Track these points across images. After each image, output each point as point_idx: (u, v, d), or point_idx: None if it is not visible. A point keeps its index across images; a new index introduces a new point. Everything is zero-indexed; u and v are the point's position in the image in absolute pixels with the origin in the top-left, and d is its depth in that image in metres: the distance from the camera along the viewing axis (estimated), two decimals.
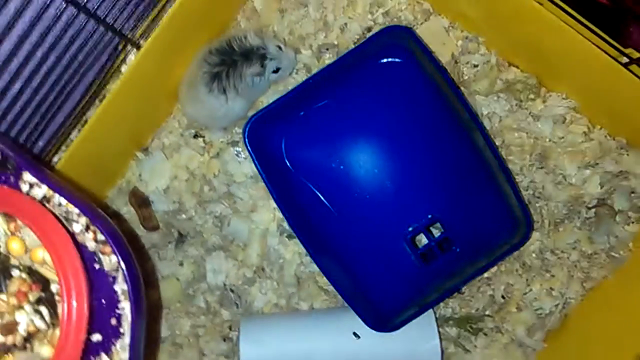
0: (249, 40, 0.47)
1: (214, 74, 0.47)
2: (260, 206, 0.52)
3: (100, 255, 0.34)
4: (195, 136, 0.53)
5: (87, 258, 0.34)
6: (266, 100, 0.52)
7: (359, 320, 0.44)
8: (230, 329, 0.52)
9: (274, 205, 0.51)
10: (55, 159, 0.49)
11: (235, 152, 0.52)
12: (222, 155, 0.52)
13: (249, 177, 0.52)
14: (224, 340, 0.52)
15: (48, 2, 0.35)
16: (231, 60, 0.47)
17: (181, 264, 0.53)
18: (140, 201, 0.52)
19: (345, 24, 0.52)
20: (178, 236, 0.53)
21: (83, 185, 0.49)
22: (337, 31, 0.52)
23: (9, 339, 0.32)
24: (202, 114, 0.50)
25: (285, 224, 0.51)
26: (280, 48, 0.48)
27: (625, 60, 0.44)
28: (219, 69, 0.47)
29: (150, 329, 0.52)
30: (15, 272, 0.32)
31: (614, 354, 0.45)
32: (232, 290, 0.52)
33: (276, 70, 0.48)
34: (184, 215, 0.53)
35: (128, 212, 0.53)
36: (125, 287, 0.34)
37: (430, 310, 0.47)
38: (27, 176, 0.34)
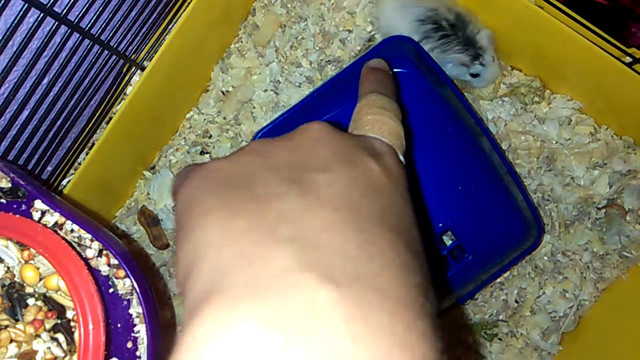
0: (478, 35, 0.45)
1: (429, 29, 0.45)
2: None
3: (114, 279, 0.34)
4: (202, 152, 0.54)
5: (102, 282, 0.34)
6: (273, 114, 0.52)
7: None
8: None
9: None
10: (63, 182, 0.50)
11: None
12: None
13: None
14: None
15: (53, 30, 0.36)
16: (452, 32, 0.45)
17: None
18: (150, 220, 0.53)
19: (346, 36, 0.52)
20: None
21: (92, 207, 0.49)
22: (337, 43, 0.52)
23: None
24: (389, 24, 0.48)
25: None
26: (493, 60, 0.47)
27: (628, 59, 0.44)
28: (436, 28, 0.45)
29: (165, 348, 0.52)
30: (30, 301, 0.32)
31: (631, 354, 0.45)
32: None
33: (474, 75, 0.47)
34: None
35: (137, 231, 0.54)
36: (140, 310, 0.34)
37: None
38: (39, 204, 0.34)
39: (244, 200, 0.19)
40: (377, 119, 0.26)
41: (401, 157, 0.25)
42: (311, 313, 0.15)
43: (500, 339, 0.50)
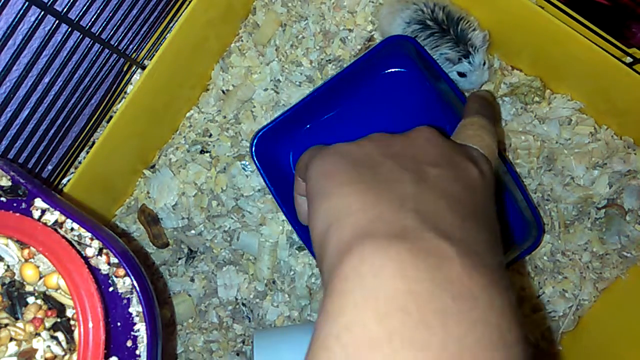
0: (472, 33, 0.45)
1: (416, 30, 0.45)
2: (269, 219, 0.52)
3: (114, 278, 0.34)
4: (202, 152, 0.54)
5: (101, 281, 0.34)
6: (274, 113, 0.52)
7: None
8: (243, 343, 0.52)
9: (283, 217, 0.51)
10: (64, 181, 0.50)
11: (242, 166, 0.53)
12: (229, 169, 0.53)
13: (256, 191, 0.52)
14: (237, 354, 0.52)
15: (53, 29, 0.36)
16: (439, 30, 0.45)
17: (192, 280, 0.53)
18: (150, 219, 0.53)
19: (347, 35, 0.52)
20: (188, 252, 0.53)
21: (91, 205, 0.49)
22: (338, 43, 0.52)
23: None
24: (382, 29, 0.49)
25: (295, 236, 0.51)
26: (483, 65, 0.46)
27: (629, 60, 0.44)
28: (423, 28, 0.45)
29: (165, 347, 0.52)
30: (30, 299, 0.32)
31: (630, 354, 0.45)
32: (244, 305, 0.52)
33: (461, 74, 0.46)
34: (193, 231, 0.53)
35: (137, 230, 0.54)
36: (139, 308, 0.34)
37: None
38: (39, 202, 0.34)
39: (373, 179, 0.25)
40: (478, 134, 0.32)
41: (492, 167, 0.31)
42: (436, 254, 0.21)
43: None
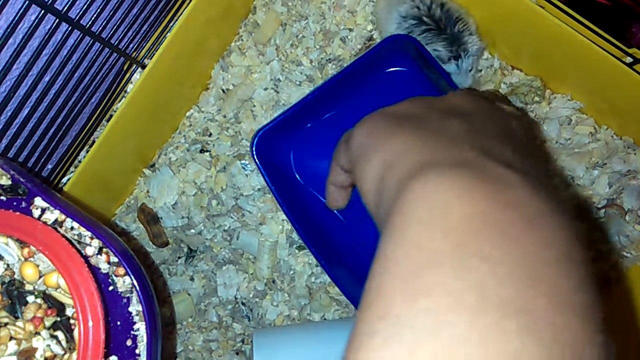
0: (469, 39, 0.45)
1: (411, 25, 0.45)
2: (269, 218, 0.52)
3: (114, 277, 0.34)
4: (202, 151, 0.54)
5: (101, 280, 0.34)
6: (274, 113, 0.52)
7: None
8: (242, 342, 0.52)
9: (283, 217, 0.51)
10: (64, 180, 0.50)
11: (242, 165, 0.53)
12: (229, 168, 0.53)
13: (256, 190, 0.52)
14: (237, 354, 0.52)
15: (54, 28, 0.36)
16: (435, 27, 0.45)
17: (192, 279, 0.53)
18: (150, 218, 0.53)
19: (347, 35, 0.52)
20: (188, 251, 0.53)
21: (91, 204, 0.49)
22: (338, 42, 0.52)
23: None
24: (380, 26, 0.50)
25: (295, 236, 0.51)
26: (470, 71, 0.46)
27: (629, 60, 0.44)
28: (418, 24, 0.45)
29: (165, 346, 0.52)
30: (30, 298, 0.32)
31: (630, 354, 0.45)
32: (243, 304, 0.52)
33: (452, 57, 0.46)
34: (193, 230, 0.53)
35: (137, 229, 0.54)
36: (139, 308, 0.34)
37: None
38: (39, 201, 0.34)
39: (424, 127, 0.26)
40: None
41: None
42: (500, 179, 0.21)
43: None
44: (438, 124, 0.26)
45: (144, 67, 0.48)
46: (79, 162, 0.50)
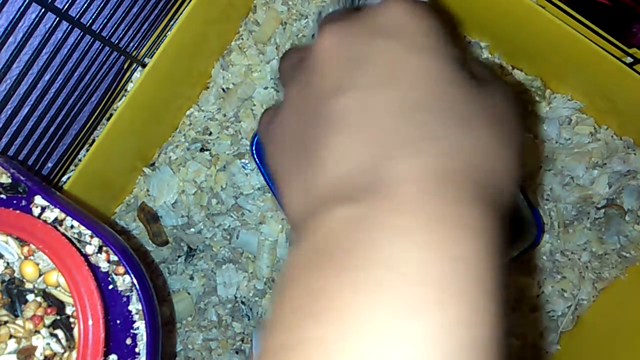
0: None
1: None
2: (268, 218, 0.52)
3: (114, 276, 0.34)
4: (202, 150, 0.54)
5: (101, 279, 0.34)
6: None
7: None
8: (242, 341, 0.52)
9: (282, 216, 0.51)
10: (64, 178, 0.50)
11: (242, 165, 0.53)
12: (229, 167, 0.53)
13: (256, 189, 0.52)
14: (237, 353, 0.52)
15: (54, 26, 0.36)
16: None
17: (191, 278, 0.53)
18: (149, 216, 0.53)
19: None
20: (187, 250, 0.53)
21: (91, 203, 0.49)
22: None
23: None
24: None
25: None
26: None
27: (629, 60, 0.43)
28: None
29: (164, 345, 0.52)
30: (30, 297, 0.32)
31: (629, 354, 0.45)
32: (243, 303, 0.52)
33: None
34: (192, 229, 0.53)
35: (136, 227, 0.54)
36: (139, 306, 0.34)
37: None
38: (39, 200, 0.34)
39: (302, 145, 0.22)
40: None
41: None
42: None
43: None
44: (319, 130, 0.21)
45: (144, 66, 0.48)
46: (79, 160, 0.50)
